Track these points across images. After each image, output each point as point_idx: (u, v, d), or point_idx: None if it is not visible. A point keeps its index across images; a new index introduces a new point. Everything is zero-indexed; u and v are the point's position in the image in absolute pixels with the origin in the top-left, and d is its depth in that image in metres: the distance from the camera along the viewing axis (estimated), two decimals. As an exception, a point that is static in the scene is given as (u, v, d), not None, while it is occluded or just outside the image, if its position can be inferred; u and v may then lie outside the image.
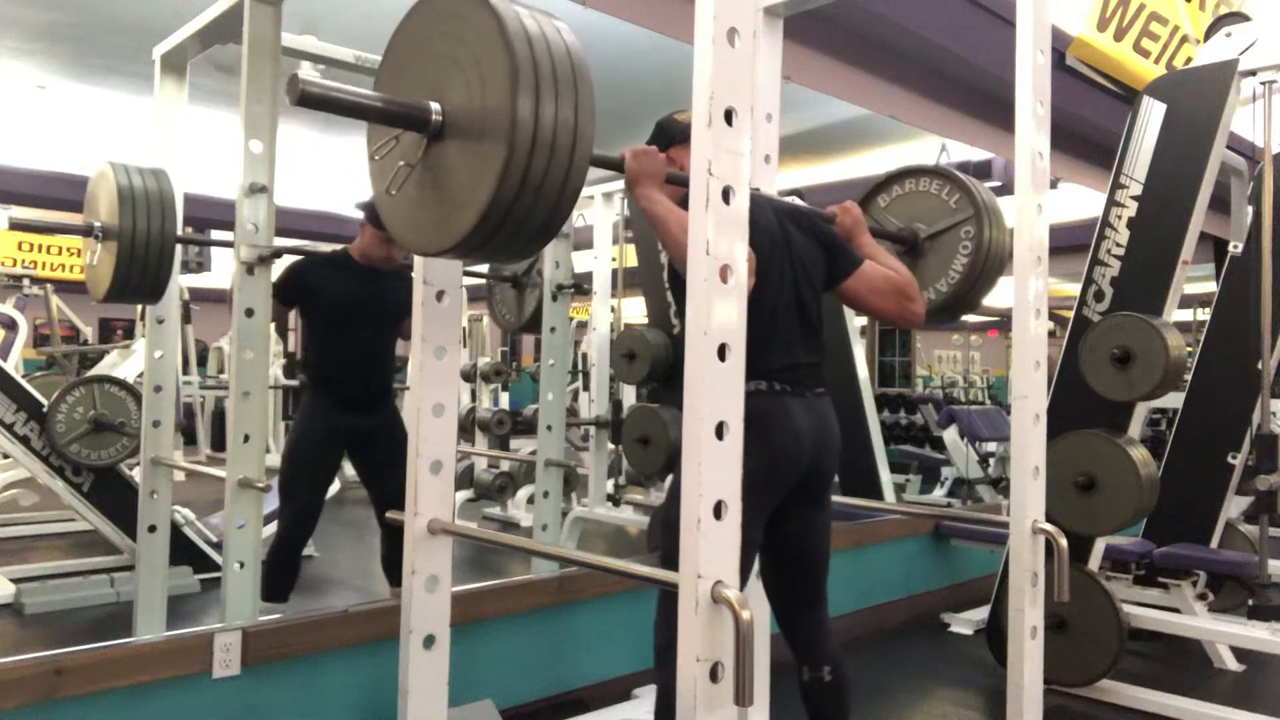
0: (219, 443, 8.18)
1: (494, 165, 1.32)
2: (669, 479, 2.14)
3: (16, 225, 2.92)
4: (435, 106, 1.44)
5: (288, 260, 3.04)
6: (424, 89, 1.47)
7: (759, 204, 1.88)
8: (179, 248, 3.04)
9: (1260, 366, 3.39)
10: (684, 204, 1.86)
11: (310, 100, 1.39)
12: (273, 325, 3.15)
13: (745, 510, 1.90)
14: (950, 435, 7.10)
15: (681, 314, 2.09)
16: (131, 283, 2.66)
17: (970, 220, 2.35)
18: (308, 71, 5.56)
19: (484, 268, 4.11)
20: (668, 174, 1.84)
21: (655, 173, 1.81)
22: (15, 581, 3.81)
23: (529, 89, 1.31)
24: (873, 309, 2.12)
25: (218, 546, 3.96)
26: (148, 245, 2.61)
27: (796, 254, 2.03)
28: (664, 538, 1.98)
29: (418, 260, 1.84)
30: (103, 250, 2.68)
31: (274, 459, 5.60)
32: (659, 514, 4.28)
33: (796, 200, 2.43)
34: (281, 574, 3.04)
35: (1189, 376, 4.07)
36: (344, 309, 3.09)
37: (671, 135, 2.09)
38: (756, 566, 2.13)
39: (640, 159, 1.81)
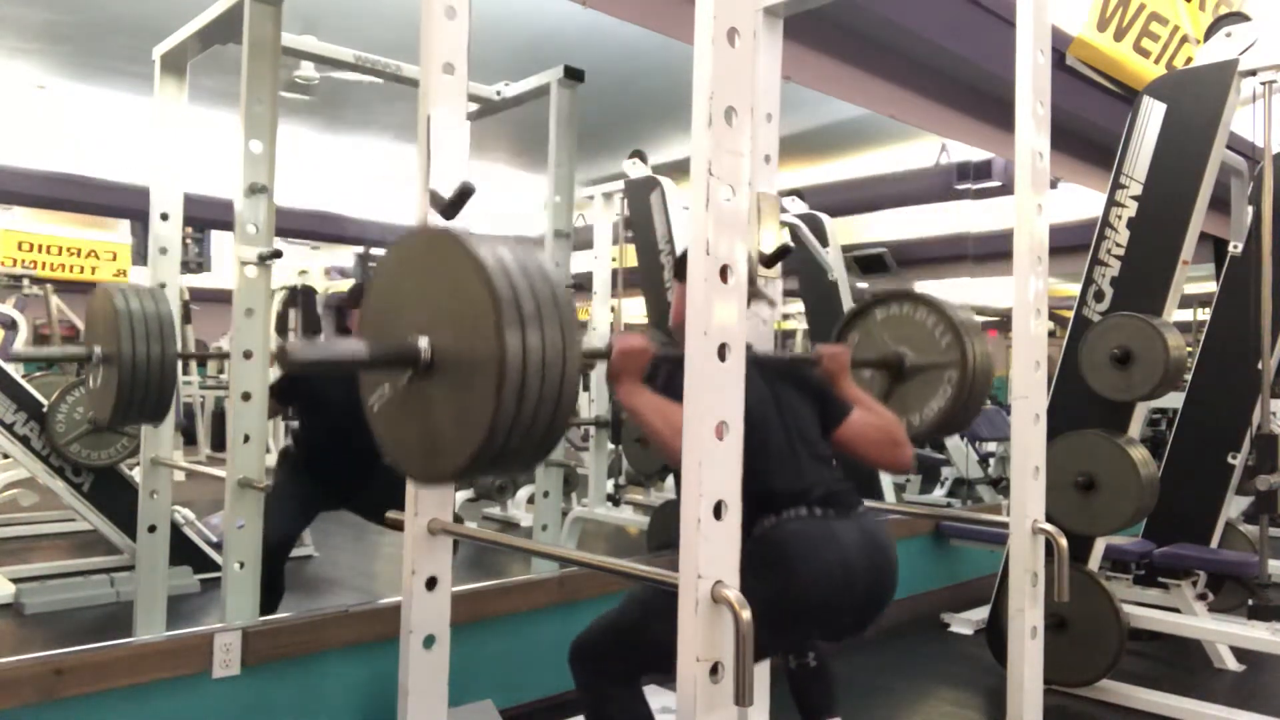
0: (219, 443, 8.17)
1: (486, 408, 1.30)
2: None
3: (13, 358, 2.91)
4: (424, 344, 1.41)
5: (291, 257, 3.03)
6: (413, 322, 1.44)
7: (748, 367, 1.89)
8: (179, 247, 3.05)
9: (1260, 366, 3.39)
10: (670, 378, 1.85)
11: (299, 365, 1.38)
12: (273, 325, 3.13)
13: (783, 639, 1.91)
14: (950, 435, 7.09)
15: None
16: (134, 406, 2.63)
17: (955, 366, 2.34)
18: (311, 72, 5.52)
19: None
20: (658, 353, 1.84)
21: (639, 368, 1.82)
22: (15, 581, 3.81)
23: (515, 331, 1.29)
24: (863, 456, 2.12)
25: (218, 546, 3.96)
26: (148, 369, 2.59)
27: (789, 410, 2.03)
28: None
29: None
30: (104, 375, 2.67)
31: (274, 459, 5.60)
32: (659, 514, 4.29)
33: (780, 204, 2.41)
34: (265, 589, 3.01)
35: (1189, 376, 4.07)
36: (341, 414, 3.07)
37: None
38: None
39: (626, 356, 1.80)
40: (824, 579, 1.82)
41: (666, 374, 1.90)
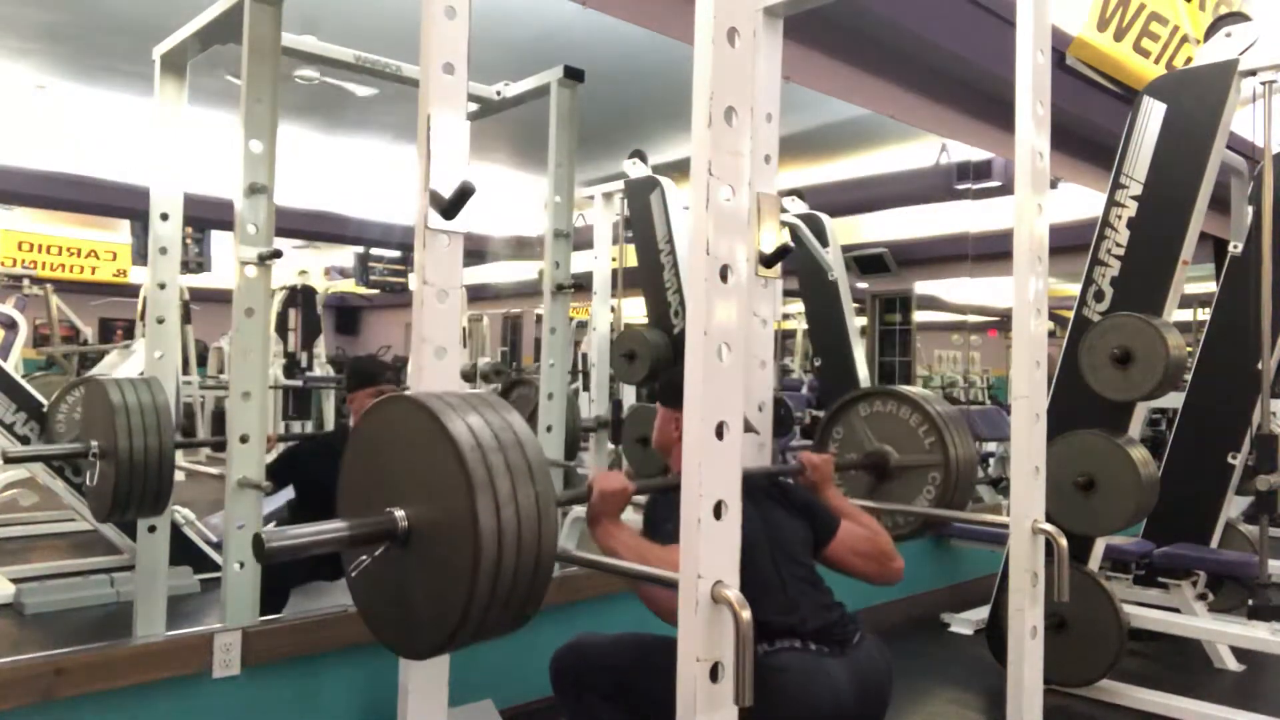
0: (219, 443, 8.16)
1: (462, 583, 1.30)
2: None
3: (11, 460, 2.86)
4: (400, 515, 1.40)
5: (291, 256, 3.03)
6: (389, 493, 1.44)
7: None
8: (179, 247, 3.05)
9: (1260, 366, 3.39)
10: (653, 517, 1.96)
11: (277, 554, 1.35)
12: (273, 325, 3.12)
13: None
14: (950, 435, 7.08)
15: None
16: (133, 500, 2.59)
17: (938, 468, 2.37)
18: (311, 72, 5.52)
19: (488, 268, 4.10)
20: (638, 485, 1.89)
21: (617, 508, 1.85)
22: (15, 581, 3.81)
23: (488, 499, 1.29)
24: (856, 572, 2.13)
25: (218, 546, 3.95)
26: (145, 463, 2.54)
27: (778, 533, 2.03)
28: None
29: (417, 258, 1.84)
30: (101, 469, 2.64)
31: (274, 459, 5.58)
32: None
33: (780, 205, 2.42)
34: (274, 590, 3.00)
35: (1189, 376, 4.07)
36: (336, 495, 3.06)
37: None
38: None
39: (605, 499, 1.83)
40: (814, 716, 1.82)
41: (651, 511, 1.98)
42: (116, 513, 2.60)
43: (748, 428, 2.17)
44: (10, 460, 2.77)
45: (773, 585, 1.95)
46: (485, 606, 1.31)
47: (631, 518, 5.24)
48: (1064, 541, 2.05)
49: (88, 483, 2.71)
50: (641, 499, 4.78)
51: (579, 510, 5.06)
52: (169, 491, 2.65)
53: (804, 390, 8.52)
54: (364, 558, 1.46)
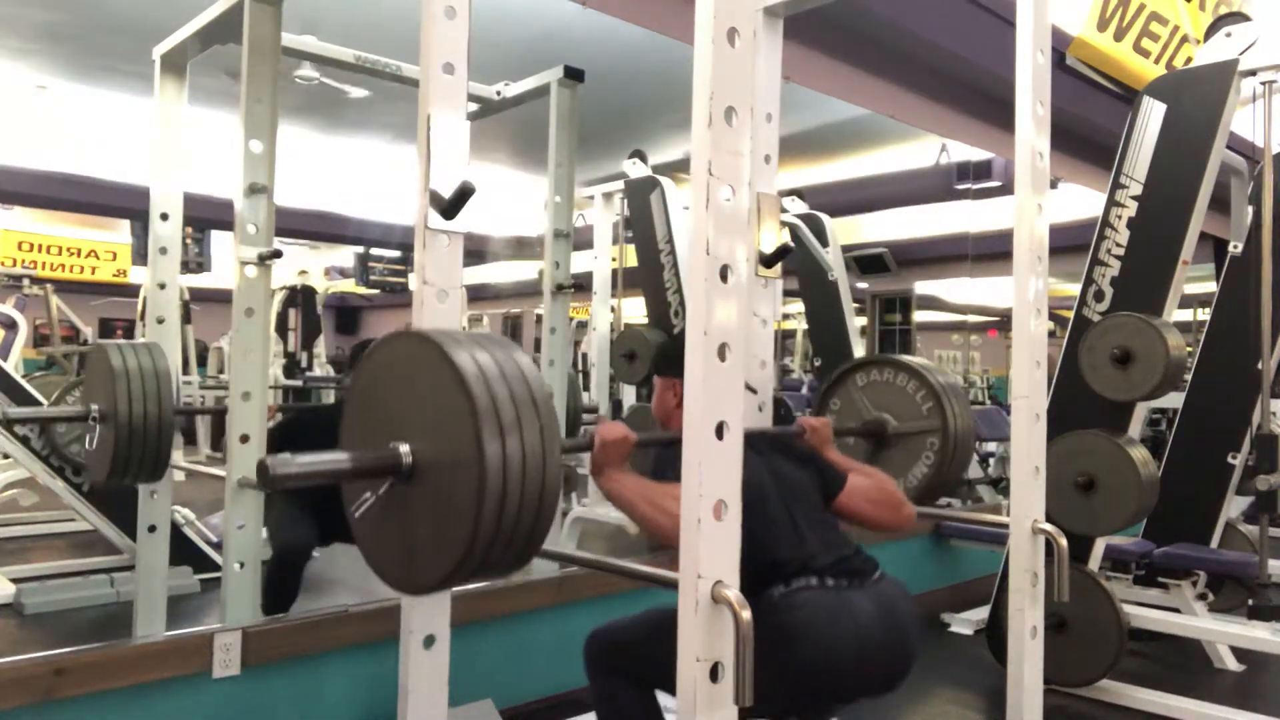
0: (219, 443, 8.17)
1: (467, 515, 1.30)
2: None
3: (12, 420, 2.89)
4: (404, 450, 1.40)
5: (291, 257, 3.02)
6: (392, 429, 1.43)
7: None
8: (179, 247, 3.05)
9: (1260, 366, 3.39)
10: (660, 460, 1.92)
11: (281, 481, 1.36)
12: (273, 325, 3.12)
13: (797, 710, 1.87)
14: (950, 435, 7.09)
15: None
16: (132, 465, 2.61)
17: (937, 433, 2.35)
18: (311, 72, 5.52)
19: (488, 268, 4.10)
20: (640, 438, 1.88)
21: (620, 457, 1.84)
22: (15, 581, 3.81)
23: (493, 432, 1.29)
24: (867, 519, 2.10)
25: (218, 546, 3.96)
26: (145, 427, 2.57)
27: (787, 482, 2.02)
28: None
29: (417, 259, 1.84)
30: (101, 433, 2.66)
31: (271, 428, 5.55)
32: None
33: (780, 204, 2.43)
34: (280, 591, 2.99)
35: (1189, 376, 4.07)
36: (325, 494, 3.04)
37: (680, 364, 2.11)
38: None
39: (607, 448, 1.83)
40: (837, 652, 1.78)
41: (655, 459, 1.95)
42: (115, 476, 2.61)
43: (746, 387, 2.19)
44: (11, 421, 2.81)
45: (783, 524, 1.91)
46: (490, 540, 1.30)
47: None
48: (1064, 541, 2.05)
49: (87, 446, 2.73)
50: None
51: (578, 510, 5.06)
52: (168, 457, 2.68)
53: (804, 390, 8.52)
54: (368, 496, 1.46)
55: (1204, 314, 5.35)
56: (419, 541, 1.40)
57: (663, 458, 1.97)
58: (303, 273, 9.08)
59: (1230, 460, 3.84)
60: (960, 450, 2.36)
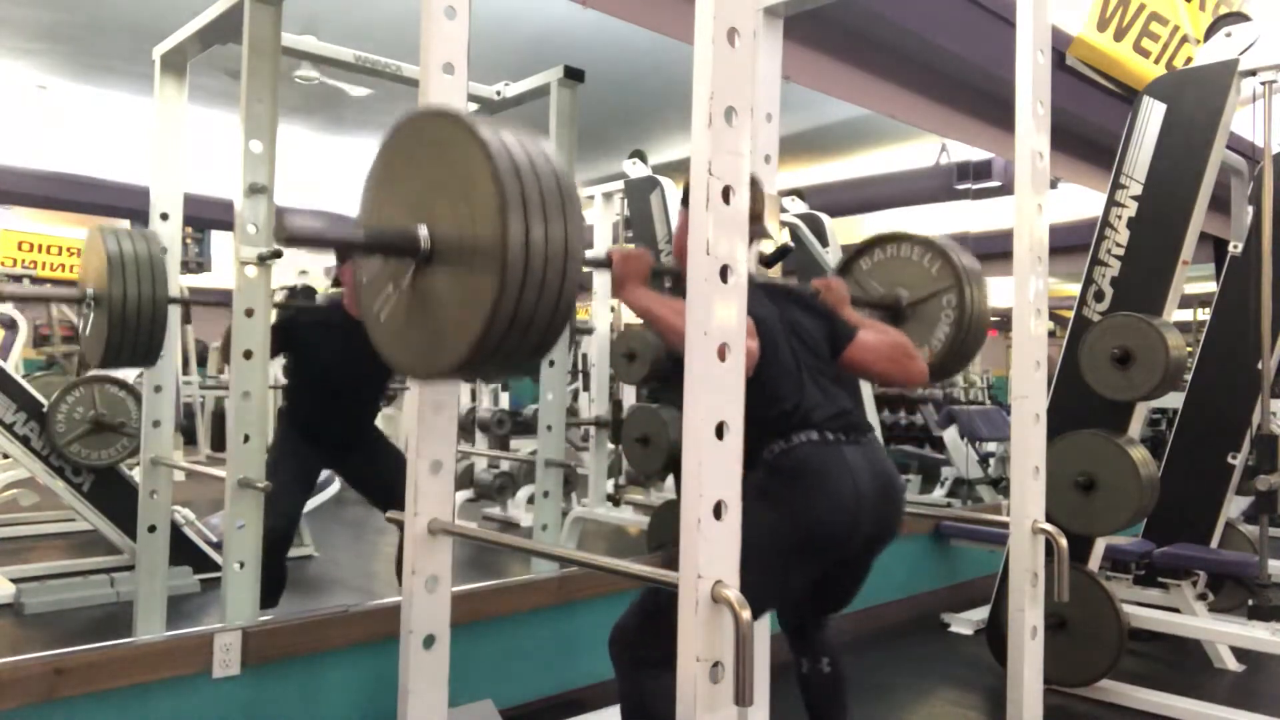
0: (219, 443, 8.18)
1: (486, 294, 1.29)
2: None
3: (5, 298, 2.92)
4: (424, 232, 1.40)
5: (291, 257, 3.03)
6: (411, 211, 1.42)
7: (752, 289, 1.91)
8: (179, 247, 3.05)
9: (1260, 366, 3.39)
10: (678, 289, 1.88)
11: (296, 242, 1.36)
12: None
13: (797, 569, 1.87)
14: (950, 435, 7.10)
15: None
16: (125, 349, 2.65)
17: (951, 289, 2.34)
18: (311, 72, 5.52)
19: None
20: (656, 266, 1.88)
21: (640, 273, 1.84)
22: (15, 581, 3.81)
23: (519, 216, 1.28)
24: (879, 373, 2.11)
25: (218, 546, 3.96)
26: (139, 311, 2.60)
27: (798, 328, 2.02)
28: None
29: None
30: (95, 318, 2.69)
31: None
32: (659, 514, 4.29)
33: (780, 204, 2.44)
34: (267, 580, 3.00)
35: (1189, 376, 4.07)
36: (330, 368, 3.07)
37: None
38: None
39: (627, 262, 1.83)
40: (837, 506, 1.81)
41: (671, 286, 1.96)
42: (109, 359, 2.66)
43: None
44: (4, 299, 2.89)
45: (791, 374, 1.92)
46: (510, 318, 1.29)
47: (634, 519, 5.20)
48: (1064, 541, 2.05)
49: (83, 331, 2.77)
50: (642, 502, 4.77)
51: (578, 510, 5.07)
52: (161, 341, 2.74)
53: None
54: (390, 290, 1.45)
55: (1204, 314, 5.35)
56: (440, 325, 1.40)
57: (677, 289, 1.97)
58: (303, 273, 9.05)
59: (1230, 460, 3.83)
60: (978, 301, 2.32)
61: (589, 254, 1.65)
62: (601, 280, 5.13)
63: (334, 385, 3.09)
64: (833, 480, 1.82)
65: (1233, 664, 3.64)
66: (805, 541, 1.81)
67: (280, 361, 8.19)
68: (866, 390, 5.57)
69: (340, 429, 3.15)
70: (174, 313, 3.02)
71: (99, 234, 2.66)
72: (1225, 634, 3.42)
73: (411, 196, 1.43)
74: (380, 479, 3.08)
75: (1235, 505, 4.16)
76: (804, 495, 1.81)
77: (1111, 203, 3.40)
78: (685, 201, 2.15)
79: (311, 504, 4.49)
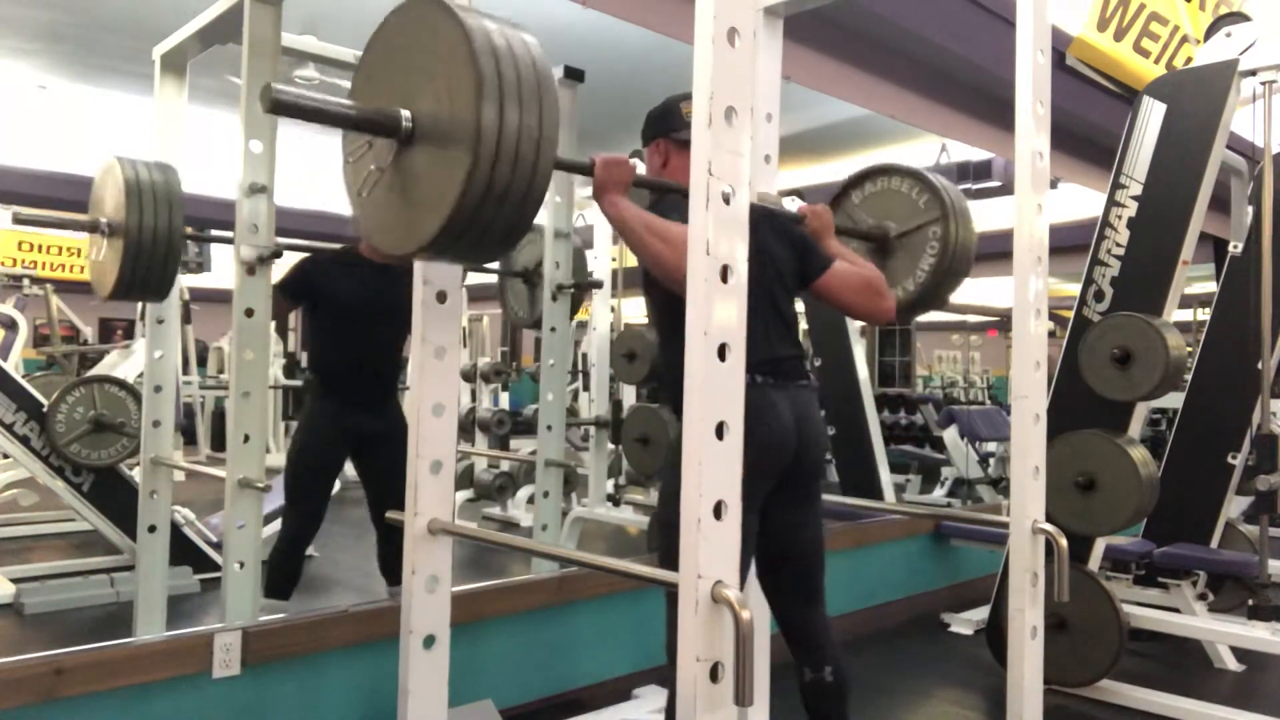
0: (219, 443, 8.18)
1: (459, 171, 1.37)
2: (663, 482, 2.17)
3: (21, 220, 2.84)
4: (405, 113, 1.48)
5: (291, 257, 3.03)
6: (397, 96, 1.51)
7: None
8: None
9: (1260, 366, 3.39)
10: (656, 209, 1.95)
11: (282, 108, 1.42)
12: (273, 325, 3.12)
13: (746, 502, 1.94)
14: (950, 435, 7.11)
15: (659, 320, 2.18)
16: (138, 280, 2.62)
17: (938, 221, 2.38)
18: (312, 72, 5.54)
19: (495, 264, 4.11)
20: (637, 178, 1.90)
21: (622, 181, 1.84)
22: (15, 581, 3.81)
23: (493, 99, 1.35)
24: (845, 305, 2.17)
25: (218, 546, 3.96)
26: (154, 241, 2.58)
27: (769, 256, 2.06)
28: (662, 539, 2.01)
29: (417, 260, 1.84)
30: (108, 247, 2.66)
31: (274, 459, 5.53)
32: (656, 517, 4.30)
33: (780, 203, 2.47)
34: (285, 573, 3.04)
35: (1189, 376, 4.07)
36: (351, 309, 3.07)
37: (670, 125, 2.16)
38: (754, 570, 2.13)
39: (609, 168, 1.83)
40: (761, 443, 1.88)
41: (653, 203, 2.00)
42: (120, 290, 2.63)
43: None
44: (18, 221, 2.83)
45: (751, 313, 2.00)
46: (481, 195, 1.37)
47: (634, 519, 5.19)
48: (1064, 541, 2.05)
49: (92, 259, 2.73)
50: (642, 502, 4.75)
51: (578, 510, 5.06)
52: (174, 276, 2.71)
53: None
54: (374, 169, 1.53)
55: (1204, 314, 5.35)
56: (416, 202, 1.47)
57: (657, 206, 2.03)
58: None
59: (1230, 460, 3.83)
60: (962, 234, 2.37)
61: (568, 158, 1.70)
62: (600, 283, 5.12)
63: (357, 326, 3.07)
64: (759, 420, 1.89)
65: (1233, 664, 3.64)
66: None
67: (280, 361, 8.15)
68: (866, 391, 5.58)
69: (368, 379, 3.12)
70: (174, 313, 3.03)
71: (117, 162, 2.63)
72: (1225, 634, 3.42)
73: (398, 81, 1.52)
74: (395, 488, 3.08)
75: (1235, 505, 4.16)
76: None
77: (1111, 203, 3.40)
78: (645, 139, 2.26)
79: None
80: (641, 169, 2.24)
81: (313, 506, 3.11)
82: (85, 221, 2.72)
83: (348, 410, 3.08)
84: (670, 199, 2.00)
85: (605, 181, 1.82)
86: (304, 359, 9.42)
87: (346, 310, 3.08)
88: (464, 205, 1.38)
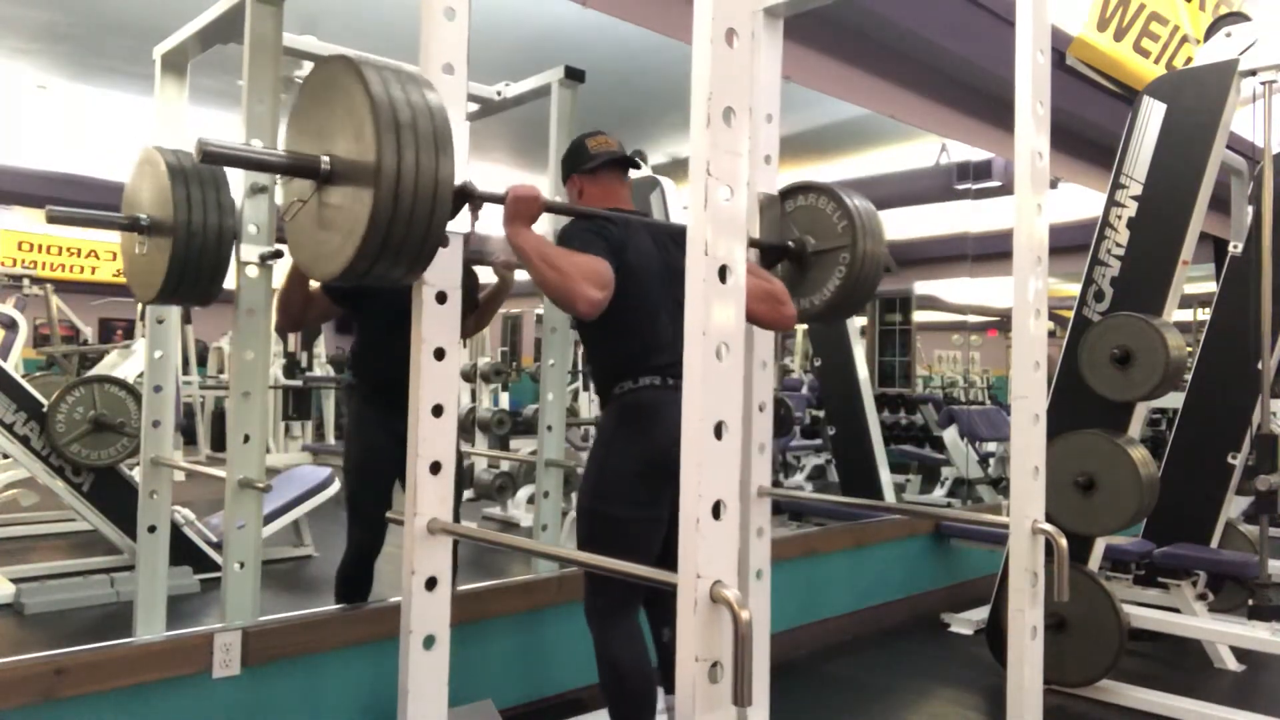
0: (219, 443, 8.18)
1: (367, 205, 1.57)
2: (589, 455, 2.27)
3: (54, 219, 2.61)
4: (325, 158, 1.67)
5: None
6: (320, 140, 1.71)
7: (635, 228, 2.23)
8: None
9: (1260, 366, 3.39)
10: (564, 240, 2.12)
11: (214, 158, 1.64)
12: (273, 325, 3.07)
13: (654, 493, 2.15)
14: (950, 435, 7.10)
15: (590, 355, 2.35)
16: (186, 282, 2.40)
17: (847, 249, 2.46)
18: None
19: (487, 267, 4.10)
20: (555, 204, 2.06)
21: (530, 214, 1.95)
22: (15, 581, 3.81)
23: (391, 142, 1.56)
24: (751, 314, 2.21)
25: (218, 546, 3.96)
26: (205, 239, 2.36)
27: (675, 269, 2.06)
28: (582, 525, 2.22)
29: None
30: (151, 247, 2.45)
31: (274, 459, 5.54)
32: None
33: (779, 203, 2.52)
34: (357, 584, 2.95)
35: (1189, 376, 4.07)
36: (400, 309, 3.02)
37: (578, 162, 2.32)
38: None
39: (518, 202, 1.93)
40: (666, 438, 1.92)
41: (561, 233, 2.17)
42: (165, 294, 2.43)
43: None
44: (51, 220, 2.56)
45: (656, 320, 2.21)
46: (387, 224, 1.57)
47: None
48: (1064, 541, 2.05)
49: (133, 253, 2.49)
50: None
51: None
52: (223, 279, 2.48)
53: (804, 390, 8.52)
54: (297, 203, 1.74)
55: (1204, 314, 5.34)
56: (334, 232, 1.66)
57: (565, 232, 2.19)
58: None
59: (1230, 460, 3.83)
60: (868, 266, 2.48)
61: (489, 191, 1.86)
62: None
63: (406, 328, 3.02)
64: (662, 418, 2.11)
65: (1233, 664, 3.64)
66: (647, 464, 2.15)
67: (280, 361, 8.15)
68: (866, 391, 5.58)
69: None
70: (174, 313, 3.03)
71: (157, 152, 2.41)
72: (1225, 634, 3.42)
73: (319, 128, 1.72)
74: None
75: (1235, 505, 4.16)
76: (644, 428, 2.17)
77: (1111, 203, 3.40)
78: (564, 176, 2.39)
79: (311, 504, 4.50)
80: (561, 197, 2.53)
81: (378, 516, 3.01)
82: (122, 219, 2.50)
83: (397, 415, 3.04)
84: (571, 229, 2.17)
85: (513, 214, 1.94)
86: (319, 356, 9.43)
87: (395, 312, 3.04)
88: (369, 241, 1.58)
